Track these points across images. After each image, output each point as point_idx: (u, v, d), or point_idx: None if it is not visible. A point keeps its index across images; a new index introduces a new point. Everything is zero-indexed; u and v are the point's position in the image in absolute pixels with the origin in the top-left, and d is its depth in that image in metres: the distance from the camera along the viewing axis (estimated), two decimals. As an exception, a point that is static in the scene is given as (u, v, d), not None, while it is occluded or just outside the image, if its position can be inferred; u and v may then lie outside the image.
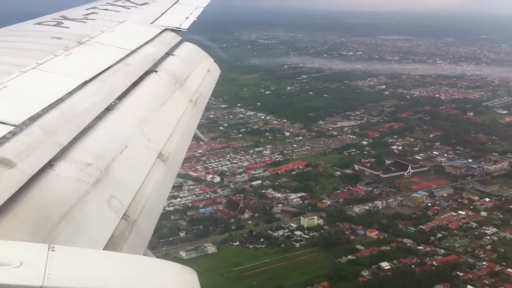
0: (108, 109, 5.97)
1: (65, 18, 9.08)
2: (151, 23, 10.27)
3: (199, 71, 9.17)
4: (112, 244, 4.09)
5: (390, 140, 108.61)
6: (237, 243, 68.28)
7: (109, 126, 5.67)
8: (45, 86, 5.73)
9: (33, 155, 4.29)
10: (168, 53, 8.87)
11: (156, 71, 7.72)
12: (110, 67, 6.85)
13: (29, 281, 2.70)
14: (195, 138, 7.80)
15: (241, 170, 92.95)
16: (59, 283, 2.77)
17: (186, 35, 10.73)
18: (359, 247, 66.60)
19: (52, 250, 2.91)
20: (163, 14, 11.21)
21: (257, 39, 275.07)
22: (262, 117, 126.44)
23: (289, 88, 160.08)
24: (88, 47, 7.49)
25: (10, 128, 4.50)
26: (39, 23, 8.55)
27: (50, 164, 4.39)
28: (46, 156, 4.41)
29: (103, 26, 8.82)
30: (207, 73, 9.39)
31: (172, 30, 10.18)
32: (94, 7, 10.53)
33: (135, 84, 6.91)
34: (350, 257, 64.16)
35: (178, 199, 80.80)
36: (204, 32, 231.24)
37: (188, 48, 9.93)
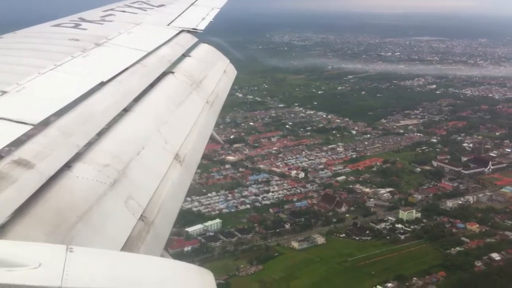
0: (125, 110, 6.02)
1: (82, 20, 9.14)
2: (168, 24, 10.31)
3: (215, 72, 9.15)
4: (129, 245, 4.11)
5: (459, 138, 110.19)
6: (343, 235, 70.36)
7: (126, 127, 5.71)
8: (63, 87, 5.76)
9: (51, 156, 4.33)
10: (185, 55, 8.90)
11: (172, 72, 7.80)
12: (127, 68, 6.91)
13: (47, 282, 2.75)
14: (212, 139, 7.73)
15: (321, 166, 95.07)
16: (77, 284, 2.82)
17: (207, 37, 10.95)
18: (464, 239, 68.40)
19: (70, 251, 2.94)
20: (179, 15, 11.27)
21: (290, 40, 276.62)
22: (324, 116, 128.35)
23: (339, 88, 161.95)
24: (106, 48, 7.56)
25: (29, 128, 4.52)
26: (57, 25, 8.62)
27: (68, 165, 4.43)
28: (64, 157, 4.45)
29: (120, 27, 8.89)
30: (224, 74, 9.35)
31: (189, 31, 10.19)
32: (111, 9, 10.57)
33: (152, 85, 6.97)
34: (458, 248, 65.99)
35: (270, 193, 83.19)
36: (236, 34, 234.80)
37: (205, 49, 9.89)
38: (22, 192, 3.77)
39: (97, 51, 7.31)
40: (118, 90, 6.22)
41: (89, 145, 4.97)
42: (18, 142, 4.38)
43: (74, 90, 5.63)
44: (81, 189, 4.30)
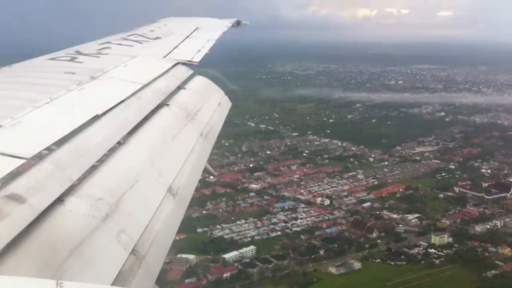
0: (120, 143, 6.01)
1: (79, 53, 9.22)
2: (164, 57, 10.40)
3: (210, 104, 9.17)
4: (120, 280, 4.10)
5: (476, 164, 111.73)
6: (378, 260, 71.18)
7: (119, 161, 5.69)
8: (58, 120, 5.75)
9: (43, 190, 4.34)
10: (180, 87, 8.90)
11: (167, 105, 7.78)
12: (122, 101, 6.89)
13: None
14: (205, 171, 7.73)
15: (345, 193, 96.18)
16: None
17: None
18: (498, 262, 69.35)
19: (60, 286, 2.92)
20: (175, 48, 11.33)
21: (292, 70, 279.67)
22: (339, 144, 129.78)
23: (349, 116, 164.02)
24: (101, 81, 7.58)
25: (22, 162, 4.51)
26: (53, 58, 8.68)
27: (60, 199, 4.42)
28: (56, 191, 4.44)
29: (116, 60, 8.95)
30: (218, 106, 9.38)
31: (184, 63, 10.23)
32: (107, 42, 10.68)
33: (147, 118, 6.97)
34: (494, 271, 66.90)
35: (299, 220, 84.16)
36: (238, 64, 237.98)
37: (200, 82, 9.90)
38: (13, 226, 3.75)
39: (92, 84, 7.31)
40: (113, 123, 6.21)
41: (82, 178, 4.94)
42: (11, 176, 4.35)
43: (69, 124, 5.62)
44: (73, 224, 4.27)
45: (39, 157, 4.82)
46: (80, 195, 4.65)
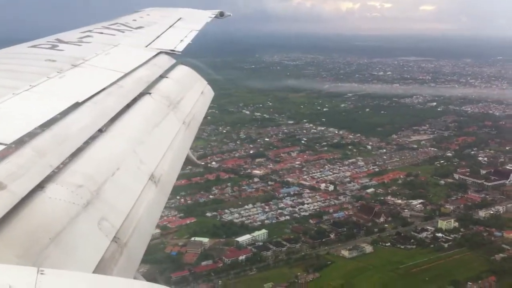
0: (101, 130, 5.94)
1: (60, 41, 9.07)
2: (146, 46, 10.28)
3: (192, 93, 9.11)
4: (102, 267, 4.05)
5: (472, 152, 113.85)
6: (388, 244, 72.47)
7: (101, 148, 5.62)
8: (38, 107, 5.68)
9: (24, 176, 4.27)
10: (162, 76, 8.83)
11: (150, 93, 7.71)
12: (103, 89, 6.82)
13: None
14: (188, 160, 7.68)
15: (347, 179, 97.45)
16: None
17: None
18: (504, 246, 71.09)
19: (41, 274, 2.90)
20: (157, 37, 11.22)
21: (281, 60, 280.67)
22: (336, 132, 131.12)
23: (342, 105, 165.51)
24: (82, 69, 7.49)
25: (1, 148, 4.46)
26: (34, 46, 8.57)
27: (40, 186, 4.36)
28: (37, 178, 4.37)
29: (98, 49, 8.86)
30: (201, 95, 9.30)
31: (167, 53, 10.13)
32: (89, 30, 10.49)
33: (128, 106, 6.90)
34: (502, 255, 68.64)
35: (305, 205, 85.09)
36: (225, 54, 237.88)
37: (182, 71, 9.81)
38: None
39: (73, 72, 7.20)
40: (94, 111, 6.12)
41: (63, 165, 4.84)
42: None
43: (49, 111, 5.53)
44: (54, 210, 4.20)
45: (19, 143, 4.73)
46: (61, 182, 4.57)
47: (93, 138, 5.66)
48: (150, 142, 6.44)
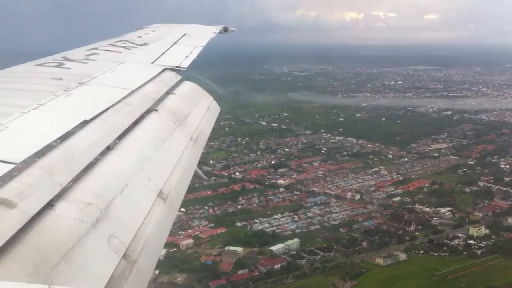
0: (109, 148, 6.00)
1: (66, 59, 9.17)
2: (152, 63, 10.39)
3: (199, 109, 9.15)
4: (112, 284, 4.09)
5: (494, 160, 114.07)
6: (421, 251, 72.67)
7: (109, 165, 5.67)
8: (46, 125, 5.75)
9: (33, 195, 4.32)
10: (168, 92, 8.87)
11: (156, 110, 7.75)
12: (111, 106, 6.88)
13: None
14: (195, 176, 7.65)
15: (372, 188, 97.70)
16: None
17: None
18: (539, 253, 71.26)
19: None
20: (163, 54, 11.38)
21: (290, 71, 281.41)
22: (355, 142, 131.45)
23: (358, 115, 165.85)
24: (89, 87, 7.55)
25: (11, 167, 4.51)
26: (41, 64, 8.62)
27: (50, 204, 4.41)
28: (46, 196, 4.43)
29: (104, 66, 8.96)
30: (207, 111, 9.35)
31: (172, 69, 10.20)
32: (95, 48, 10.63)
33: (135, 123, 6.96)
34: (537, 261, 68.81)
35: (334, 214, 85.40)
36: (234, 66, 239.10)
37: (188, 87, 9.88)
38: (4, 232, 3.74)
39: (80, 90, 7.26)
40: (102, 128, 6.17)
41: (72, 183, 4.90)
42: (1, 181, 4.35)
43: (57, 129, 5.60)
44: (63, 228, 4.24)
45: (28, 162, 4.77)
46: (70, 200, 4.62)
47: (101, 155, 5.73)
48: (158, 158, 6.47)
